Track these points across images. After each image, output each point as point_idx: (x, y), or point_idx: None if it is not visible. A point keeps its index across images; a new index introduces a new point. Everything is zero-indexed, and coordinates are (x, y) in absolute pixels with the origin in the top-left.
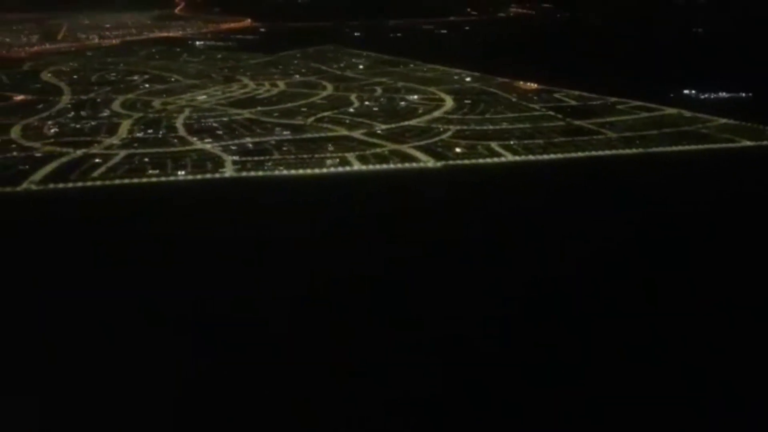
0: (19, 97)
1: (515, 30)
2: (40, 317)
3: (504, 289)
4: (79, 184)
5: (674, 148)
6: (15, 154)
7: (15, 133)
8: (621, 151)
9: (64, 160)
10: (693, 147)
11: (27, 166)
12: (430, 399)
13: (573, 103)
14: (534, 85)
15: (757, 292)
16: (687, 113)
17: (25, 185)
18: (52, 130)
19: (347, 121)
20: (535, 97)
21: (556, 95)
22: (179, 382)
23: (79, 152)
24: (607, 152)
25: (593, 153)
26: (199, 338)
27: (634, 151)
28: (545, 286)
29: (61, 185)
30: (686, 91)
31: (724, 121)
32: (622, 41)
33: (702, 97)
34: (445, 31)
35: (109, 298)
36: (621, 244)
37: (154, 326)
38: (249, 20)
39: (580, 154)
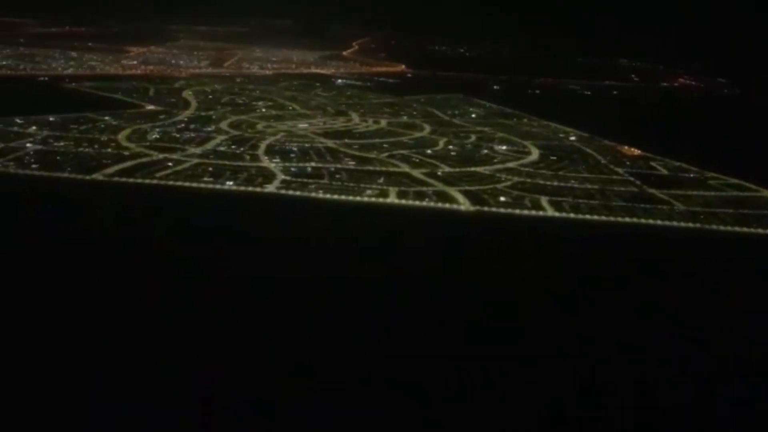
0: (149, 107)
1: (666, 99)
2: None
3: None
4: (139, 180)
5: (733, 229)
6: (109, 150)
7: (122, 135)
8: (671, 223)
9: (143, 160)
10: (756, 230)
11: (109, 161)
12: None
13: (664, 172)
14: (636, 151)
15: None
16: None
17: (95, 175)
18: (153, 137)
19: (416, 160)
20: (627, 162)
21: (652, 163)
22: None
23: (161, 156)
24: (657, 222)
25: (640, 221)
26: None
27: (688, 225)
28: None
29: (123, 179)
30: None
31: None
32: None
33: None
34: (588, 93)
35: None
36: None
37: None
38: (403, 66)
39: (626, 219)
